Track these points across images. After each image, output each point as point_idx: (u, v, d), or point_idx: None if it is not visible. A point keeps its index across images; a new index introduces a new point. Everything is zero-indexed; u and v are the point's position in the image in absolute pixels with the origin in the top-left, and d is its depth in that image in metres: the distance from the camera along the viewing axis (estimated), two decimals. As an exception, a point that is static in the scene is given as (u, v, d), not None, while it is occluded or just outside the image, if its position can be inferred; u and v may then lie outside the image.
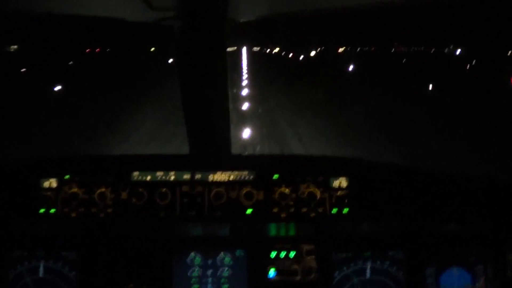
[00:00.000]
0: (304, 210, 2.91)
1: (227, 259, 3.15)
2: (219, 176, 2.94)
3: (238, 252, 3.15)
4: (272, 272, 3.11)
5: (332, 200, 2.91)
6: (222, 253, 3.15)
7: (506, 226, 3.08)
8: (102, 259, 3.12)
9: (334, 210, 2.90)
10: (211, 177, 2.94)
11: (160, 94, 27.27)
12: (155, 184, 2.93)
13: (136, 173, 2.95)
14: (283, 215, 2.90)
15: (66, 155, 3.12)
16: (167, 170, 2.95)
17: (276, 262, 3.12)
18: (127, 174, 2.95)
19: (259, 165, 2.97)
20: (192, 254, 3.15)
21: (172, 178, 2.94)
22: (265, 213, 2.91)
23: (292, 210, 2.90)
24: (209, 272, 3.15)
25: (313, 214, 2.90)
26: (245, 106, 24.76)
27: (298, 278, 3.10)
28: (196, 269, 3.15)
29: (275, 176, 2.93)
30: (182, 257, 3.15)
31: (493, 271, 3.12)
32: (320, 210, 2.91)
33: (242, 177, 2.93)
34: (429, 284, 3.12)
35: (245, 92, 30.81)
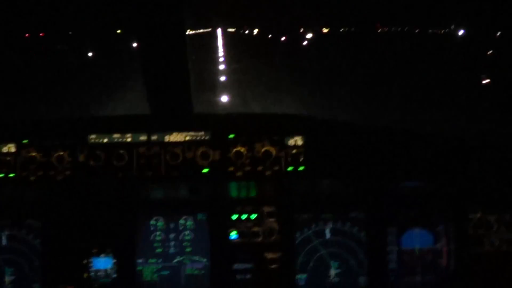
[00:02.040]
0: (260, 168, 2.92)
1: (189, 223, 3.16)
2: (175, 137, 2.94)
3: (200, 216, 3.15)
4: (233, 235, 3.12)
5: (287, 158, 2.92)
6: (184, 217, 3.16)
7: (467, 185, 3.10)
8: (65, 226, 3.12)
9: (290, 168, 2.91)
10: (167, 138, 2.95)
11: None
12: (111, 146, 2.94)
13: (93, 136, 2.95)
14: (238, 173, 2.91)
15: (24, 119, 3.09)
16: (124, 131, 2.94)
17: (237, 224, 3.13)
18: (84, 136, 2.95)
19: (215, 124, 2.98)
20: (155, 218, 3.16)
21: (129, 139, 2.94)
22: (221, 172, 2.92)
23: (247, 168, 2.92)
24: (172, 236, 3.16)
25: (268, 173, 2.91)
26: (223, 78, 25.76)
27: (259, 239, 3.11)
28: (159, 233, 3.15)
29: (231, 136, 2.93)
30: (145, 221, 3.16)
31: (455, 231, 3.15)
32: (275, 168, 2.92)
33: (198, 137, 2.94)
34: (390, 244, 3.14)
35: (222, 66, 31.69)
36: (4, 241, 3.14)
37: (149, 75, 3.17)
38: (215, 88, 20.37)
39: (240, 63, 29.73)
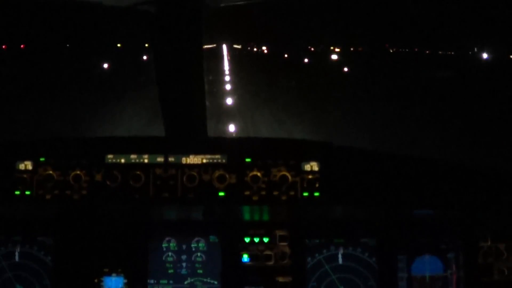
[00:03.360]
0: (276, 193, 2.92)
1: (201, 245, 3.17)
2: (192, 159, 2.95)
3: (212, 238, 3.18)
4: (245, 257, 3.14)
5: (303, 183, 2.93)
6: (196, 238, 3.18)
7: (477, 213, 3.12)
8: (77, 244, 3.14)
9: (305, 194, 2.92)
10: (184, 160, 2.95)
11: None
12: (129, 166, 2.95)
13: (110, 156, 2.96)
14: (254, 198, 2.92)
15: (42, 137, 3.11)
16: (141, 152, 2.95)
17: (249, 247, 3.15)
18: (102, 156, 2.96)
19: (232, 148, 2.99)
20: (167, 239, 3.18)
21: (146, 160, 2.95)
22: (237, 196, 2.93)
23: (263, 193, 2.92)
24: (184, 257, 3.18)
25: (284, 197, 2.92)
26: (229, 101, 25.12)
27: (271, 263, 3.13)
28: (171, 254, 3.17)
29: (247, 160, 2.94)
30: (157, 242, 3.18)
31: (465, 259, 3.16)
32: (291, 193, 2.92)
33: (215, 160, 2.95)
34: (400, 271, 3.15)
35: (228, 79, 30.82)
36: (16, 258, 3.16)
37: (167, 97, 3.21)
38: (221, 113, 20.01)
39: (250, 85, 28.83)
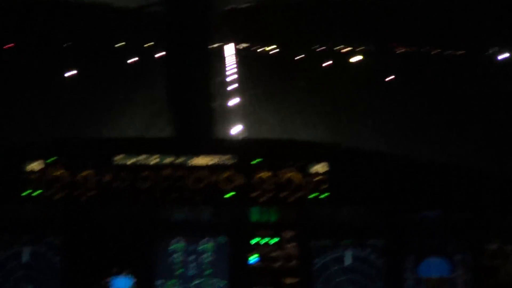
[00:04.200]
0: (283, 194, 2.94)
1: (210, 245, 3.18)
2: (200, 160, 2.97)
3: (220, 239, 3.18)
4: (253, 258, 3.15)
5: (311, 185, 2.94)
6: (204, 239, 3.19)
7: (485, 215, 3.12)
8: (86, 244, 3.15)
9: (313, 195, 2.94)
10: (192, 161, 2.97)
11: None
12: (137, 167, 2.97)
13: (118, 156, 2.98)
14: (262, 199, 2.94)
15: (51, 137, 3.14)
16: (149, 153, 2.97)
17: (257, 248, 3.15)
18: (110, 157, 2.98)
19: (240, 149, 3.01)
20: (175, 239, 3.18)
21: (154, 161, 2.97)
22: (244, 197, 2.95)
23: (271, 194, 2.94)
24: (192, 257, 3.18)
25: (292, 199, 2.94)
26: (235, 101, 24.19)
27: (278, 264, 3.14)
28: (179, 255, 3.18)
29: (255, 161, 2.96)
30: (166, 242, 3.19)
31: (472, 261, 3.16)
32: (299, 194, 2.94)
33: (223, 161, 2.97)
34: (408, 272, 3.15)
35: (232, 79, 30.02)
36: (24, 257, 3.17)
37: (175, 98, 3.23)
38: (225, 114, 19.60)
39: (257, 87, 28.11)
